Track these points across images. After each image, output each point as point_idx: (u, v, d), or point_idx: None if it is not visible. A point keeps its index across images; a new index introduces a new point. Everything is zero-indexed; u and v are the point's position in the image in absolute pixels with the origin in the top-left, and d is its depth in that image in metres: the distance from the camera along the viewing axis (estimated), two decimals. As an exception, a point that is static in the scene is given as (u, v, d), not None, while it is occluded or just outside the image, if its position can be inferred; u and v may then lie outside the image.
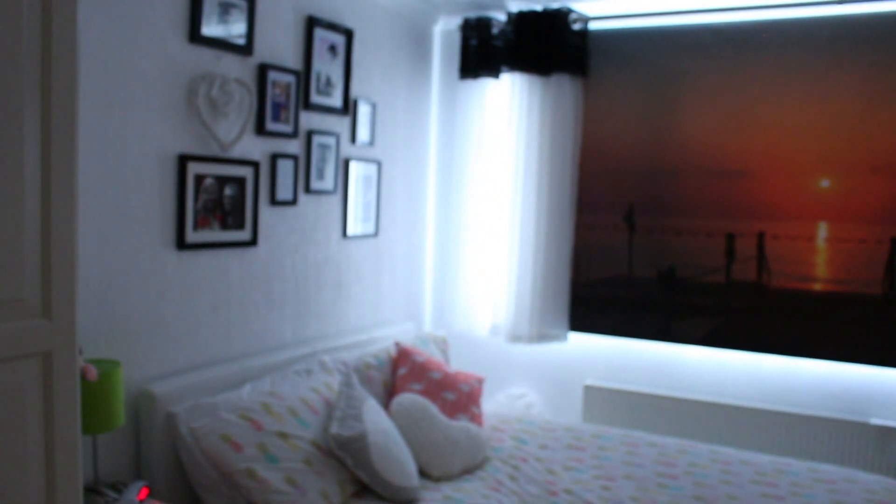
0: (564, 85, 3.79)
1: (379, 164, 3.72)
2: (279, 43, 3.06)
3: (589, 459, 3.06)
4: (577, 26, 3.78)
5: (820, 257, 3.64)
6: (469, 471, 2.87)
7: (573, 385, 3.96)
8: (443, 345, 3.67)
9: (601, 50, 3.85)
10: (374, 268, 3.75)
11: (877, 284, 3.52)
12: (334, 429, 2.50)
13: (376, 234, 3.75)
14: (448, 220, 4.12)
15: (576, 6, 3.78)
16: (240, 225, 2.89)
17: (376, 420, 2.64)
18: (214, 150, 2.76)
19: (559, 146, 3.82)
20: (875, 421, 3.43)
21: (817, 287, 3.68)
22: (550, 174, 3.83)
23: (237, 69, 2.84)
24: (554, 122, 3.81)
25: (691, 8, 3.63)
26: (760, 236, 3.70)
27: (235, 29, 2.80)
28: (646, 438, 3.30)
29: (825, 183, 3.60)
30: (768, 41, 3.57)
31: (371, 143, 3.65)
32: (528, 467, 2.93)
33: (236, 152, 2.86)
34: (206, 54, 2.70)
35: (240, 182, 2.87)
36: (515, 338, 3.90)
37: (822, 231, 3.63)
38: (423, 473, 2.77)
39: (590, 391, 3.88)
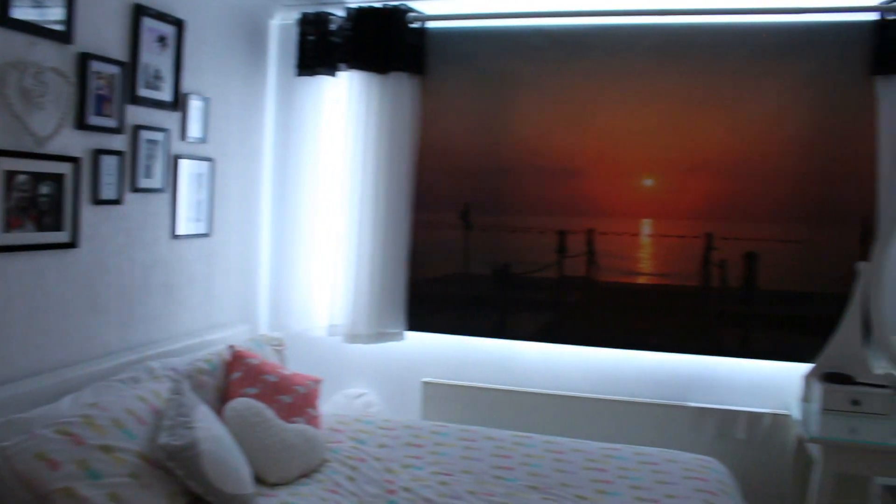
0: (402, 84, 3.80)
1: (212, 162, 3.60)
2: (103, 31, 2.88)
3: (427, 456, 3.09)
4: (415, 25, 3.80)
5: (644, 252, 3.85)
6: (307, 474, 2.83)
7: (412, 383, 3.98)
8: (279, 346, 3.59)
9: (439, 49, 3.89)
10: (206, 269, 3.62)
11: (694, 277, 3.76)
12: (163, 438, 2.39)
13: (209, 233, 3.62)
14: (284, 218, 4.04)
15: (414, 5, 3.80)
16: (57, 226, 2.71)
17: (208, 427, 2.55)
18: (28, 145, 2.57)
19: (397, 144, 3.83)
20: (692, 404, 3.67)
21: (642, 280, 3.89)
22: (388, 172, 3.84)
23: (54, 57, 2.65)
24: (392, 120, 3.82)
25: (525, 11, 3.74)
26: (590, 233, 3.86)
27: (52, 14, 2.61)
28: (483, 432, 3.37)
29: (649, 182, 3.81)
30: (597, 46, 3.73)
31: (203, 139, 3.52)
32: (367, 467, 2.92)
33: (54, 147, 2.67)
34: (18, 39, 2.50)
35: (57, 179, 2.69)
36: (353, 337, 3.88)
37: (646, 227, 3.83)
38: (259, 479, 2.70)
39: (428, 388, 3.92)
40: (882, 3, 3.36)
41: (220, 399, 3.02)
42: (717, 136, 3.68)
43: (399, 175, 3.85)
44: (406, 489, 2.76)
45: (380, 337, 3.89)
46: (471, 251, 4.00)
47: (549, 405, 3.79)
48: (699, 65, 3.65)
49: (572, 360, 3.88)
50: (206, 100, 3.50)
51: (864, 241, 3.52)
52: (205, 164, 3.54)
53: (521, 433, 3.42)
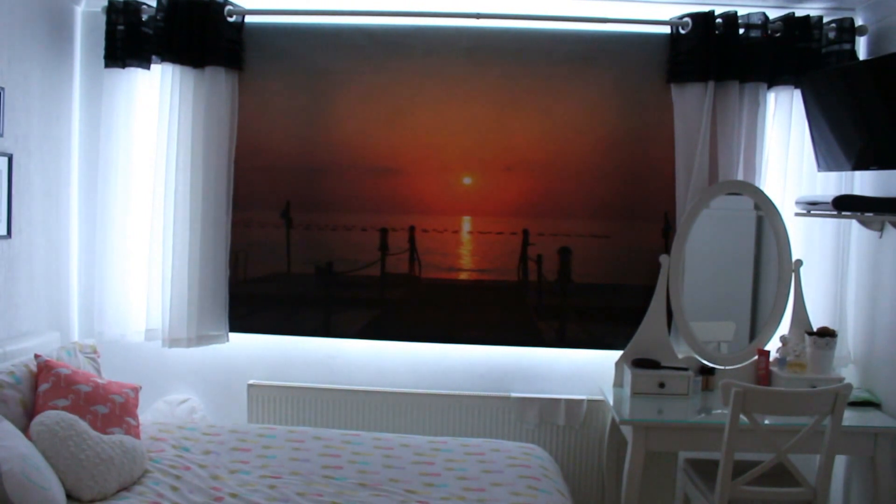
0: (219, 78, 3.69)
1: (9, 158, 3.32)
2: None
3: (255, 460, 3.03)
4: (233, 19, 3.69)
5: (465, 249, 3.95)
6: (126, 487, 2.68)
7: (237, 386, 3.88)
8: (92, 354, 3.38)
9: (258, 45, 3.80)
10: (7, 274, 3.34)
11: (513, 272, 3.91)
12: (-39, 460, 2.20)
13: (8, 235, 3.34)
14: (95, 218, 3.79)
15: (232, -2, 3.71)
16: None
17: (11, 445, 2.37)
18: None
19: (214, 141, 3.71)
20: (514, 394, 3.81)
21: (463, 276, 3.99)
22: (205, 170, 3.71)
23: None
24: (208, 116, 3.69)
25: (345, 9, 3.73)
26: (411, 230, 3.91)
27: None
28: (311, 433, 3.34)
29: (468, 180, 3.91)
30: (416, 46, 3.78)
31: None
32: (192, 475, 2.81)
33: None
34: None
35: None
36: (173, 341, 3.73)
37: (466, 224, 3.93)
38: (73, 497, 2.54)
39: (254, 390, 3.84)
40: (673, 19, 3.65)
41: (27, 414, 2.80)
42: (532, 136, 3.84)
43: (217, 172, 3.73)
44: (233, 495, 2.69)
45: (201, 340, 3.76)
46: (293, 250, 3.94)
47: (377, 402, 3.82)
48: (513, 68, 3.79)
49: (397, 357, 3.92)
50: (0, 90, 3.23)
51: (666, 235, 3.81)
52: (2, 160, 3.27)
53: (349, 431, 3.42)
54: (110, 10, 3.65)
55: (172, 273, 3.70)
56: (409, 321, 3.95)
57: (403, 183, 3.90)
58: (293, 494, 2.72)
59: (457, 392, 3.83)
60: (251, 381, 3.87)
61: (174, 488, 2.71)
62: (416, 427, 3.80)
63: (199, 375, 3.93)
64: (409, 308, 3.98)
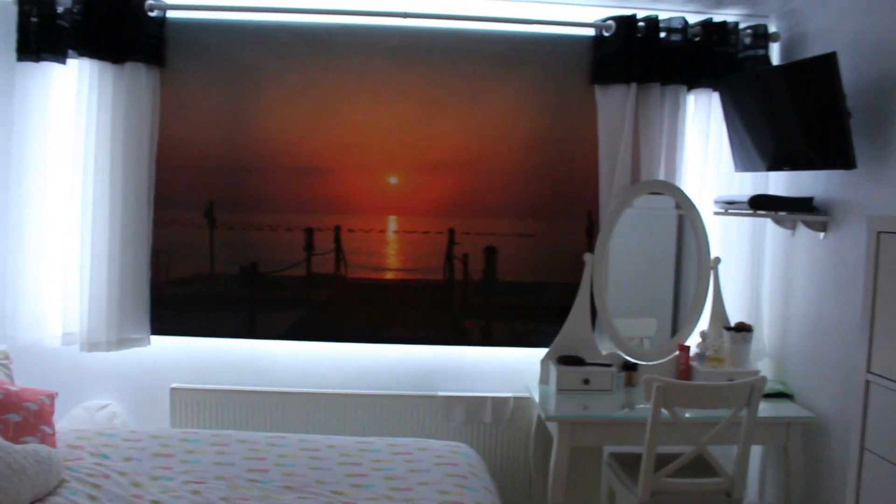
0: (140, 75, 3.59)
1: (-87, 156, 3.18)
2: None
3: (178, 465, 2.96)
4: (154, 14, 3.60)
5: (391, 248, 3.94)
6: (41, 498, 2.57)
7: (159, 390, 3.79)
8: (5, 360, 3.26)
9: (180, 41, 3.71)
10: (-90, 277, 3.20)
11: (439, 271, 3.92)
12: None
13: (-88, 237, 3.20)
14: (8, 219, 3.64)
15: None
16: None
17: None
18: None
19: (134, 139, 3.61)
20: (441, 393, 3.83)
21: (389, 276, 3.98)
22: (125, 168, 3.61)
23: None
24: (128, 113, 3.60)
25: (270, 6, 3.68)
26: (337, 230, 3.89)
27: None
28: (235, 436, 3.28)
29: (393, 180, 3.90)
30: (342, 44, 3.75)
31: None
32: (111, 483, 2.72)
33: None
34: None
35: None
36: (92, 345, 3.62)
37: (392, 224, 3.93)
38: (-15, 509, 2.44)
39: (177, 394, 3.76)
40: (597, 22, 3.72)
41: (-68, 424, 2.69)
42: (457, 135, 3.86)
43: (137, 171, 3.64)
44: (155, 502, 2.62)
45: (122, 343, 3.66)
46: (216, 250, 3.87)
47: (303, 404, 3.78)
48: (439, 67, 3.80)
49: (324, 357, 3.89)
50: None
51: (590, 233, 3.88)
52: None
53: (274, 434, 3.38)
54: (23, 1, 3.51)
55: (91, 275, 3.60)
56: (335, 321, 3.92)
57: (329, 182, 3.87)
58: (217, 499, 2.67)
59: (384, 392, 3.83)
60: (174, 385, 3.78)
61: (92, 497, 2.62)
62: (343, 428, 3.77)
63: (120, 380, 3.83)
64: (334, 308, 3.95)
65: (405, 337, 3.91)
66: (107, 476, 2.77)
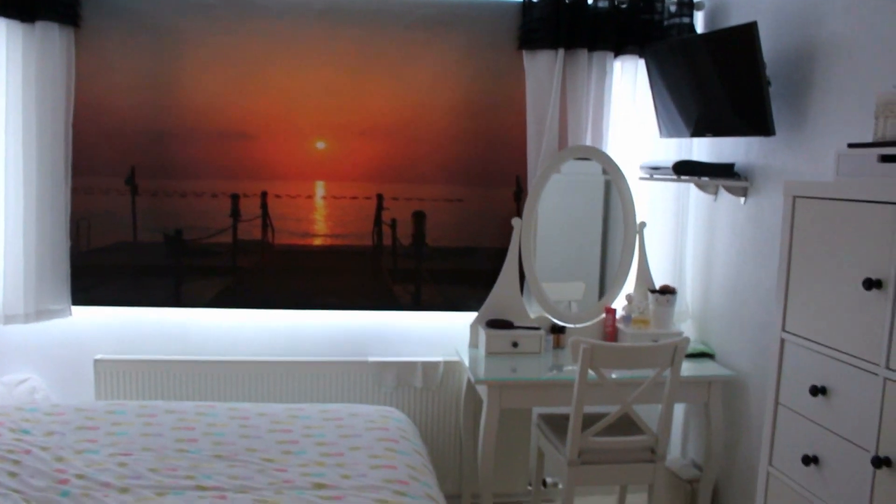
0: (52, 35, 3.45)
1: None
2: None
3: (103, 438, 2.90)
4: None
5: (319, 214, 3.90)
6: (-43, 477, 2.52)
7: (82, 362, 3.71)
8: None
9: (97, 0, 3.58)
10: None
11: (367, 237, 3.90)
12: None
13: None
14: (-88, 187, 3.50)
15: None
16: None
17: None
18: None
19: (48, 103, 3.48)
20: (372, 358, 3.83)
21: (318, 242, 3.94)
22: (39, 134, 3.48)
23: None
24: (40, 75, 3.46)
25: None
26: (264, 196, 3.83)
27: None
28: (163, 406, 3.23)
29: (321, 145, 3.85)
30: (268, 6, 3.66)
31: None
32: (32, 459, 2.65)
33: None
34: None
35: None
36: (9, 318, 3.50)
37: (320, 189, 3.88)
38: None
39: (101, 366, 3.67)
40: (525, -15, 3.72)
41: None
42: (385, 100, 3.82)
43: (52, 136, 3.51)
44: (80, 476, 2.57)
45: (41, 315, 3.55)
46: (139, 218, 3.77)
47: (232, 372, 3.74)
48: (367, 31, 3.74)
49: (252, 325, 3.85)
50: None
51: (518, 198, 3.91)
52: None
53: (203, 403, 3.33)
54: (-77, -42, 3.34)
55: (5, 245, 3.48)
56: (263, 288, 3.88)
57: (255, 147, 3.80)
58: (145, 471, 2.63)
59: (314, 359, 3.81)
60: (98, 357, 3.70)
61: (12, 475, 2.55)
62: (273, 396, 3.75)
63: (40, 353, 3.72)
64: (262, 275, 3.90)
65: (334, 303, 3.89)
66: (27, 451, 2.70)
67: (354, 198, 3.89)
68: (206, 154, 3.75)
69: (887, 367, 1.97)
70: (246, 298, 3.85)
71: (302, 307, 3.86)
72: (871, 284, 2.00)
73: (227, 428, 3.04)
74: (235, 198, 3.80)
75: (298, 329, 3.87)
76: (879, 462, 1.98)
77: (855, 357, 2.10)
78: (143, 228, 3.77)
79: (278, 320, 3.86)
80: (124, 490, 2.48)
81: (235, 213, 3.81)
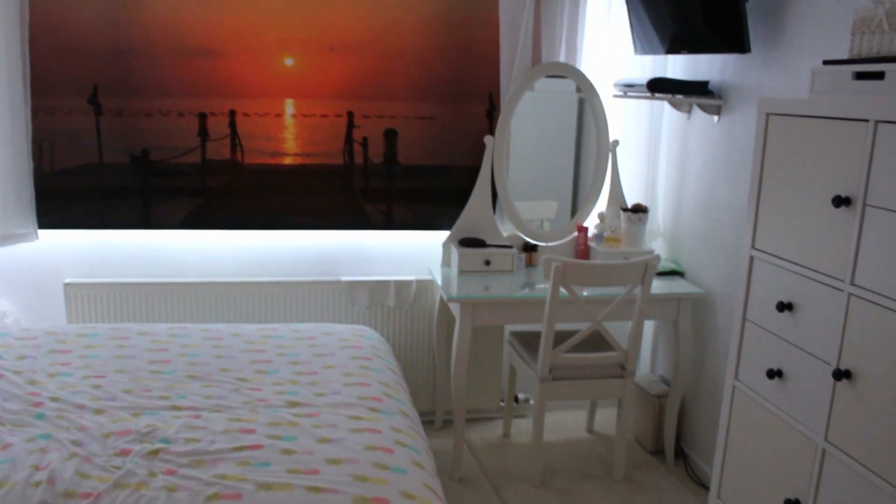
0: (2, -54, 3.31)
1: None
2: None
3: (76, 361, 2.89)
4: None
5: (288, 133, 3.84)
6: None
7: (52, 286, 3.67)
8: None
9: None
10: None
11: (338, 155, 3.85)
12: None
13: None
14: None
15: None
16: None
17: None
18: None
19: (1, 20, 3.35)
20: (344, 278, 3.83)
21: (288, 161, 3.89)
22: (-5, 51, 3.37)
23: None
24: (-6, -11, 3.33)
25: None
26: (232, 114, 3.75)
27: None
28: (135, 329, 3.22)
29: (289, 62, 3.76)
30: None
31: None
32: (5, 382, 2.65)
33: None
34: None
35: None
36: (-27, 242, 3.46)
37: (289, 107, 3.81)
38: None
39: (71, 289, 3.64)
40: None
41: None
42: (355, 15, 3.72)
43: (7, 54, 3.38)
44: (54, 399, 2.57)
45: (6, 239, 3.50)
46: (104, 138, 3.69)
47: (204, 294, 3.73)
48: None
49: (223, 246, 3.83)
50: None
51: (490, 116, 3.86)
52: None
53: (176, 325, 3.32)
54: None
55: (-34, 166, 3.39)
56: (234, 209, 3.84)
57: (222, 65, 3.70)
58: (120, 393, 2.63)
59: (286, 279, 3.81)
60: (67, 280, 3.66)
61: (-15, 397, 2.56)
62: (246, 317, 3.76)
63: (8, 278, 3.68)
64: (232, 195, 3.85)
65: (306, 223, 3.87)
66: (0, 376, 2.70)
67: (325, 116, 3.83)
68: (171, 72, 3.65)
69: (852, 283, 2.00)
70: (216, 219, 3.81)
71: (273, 227, 3.84)
72: (840, 202, 2.01)
73: (201, 349, 3.04)
74: (203, 117, 3.73)
75: (270, 249, 3.85)
76: (840, 374, 2.03)
77: (821, 273, 2.13)
78: (109, 149, 3.69)
79: (250, 241, 3.83)
80: (99, 411, 2.48)
81: (203, 133, 3.74)
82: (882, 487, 1.90)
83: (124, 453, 2.20)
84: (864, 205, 1.95)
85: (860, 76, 2.06)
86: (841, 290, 2.05)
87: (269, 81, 3.75)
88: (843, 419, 2.05)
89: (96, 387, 2.67)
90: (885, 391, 1.89)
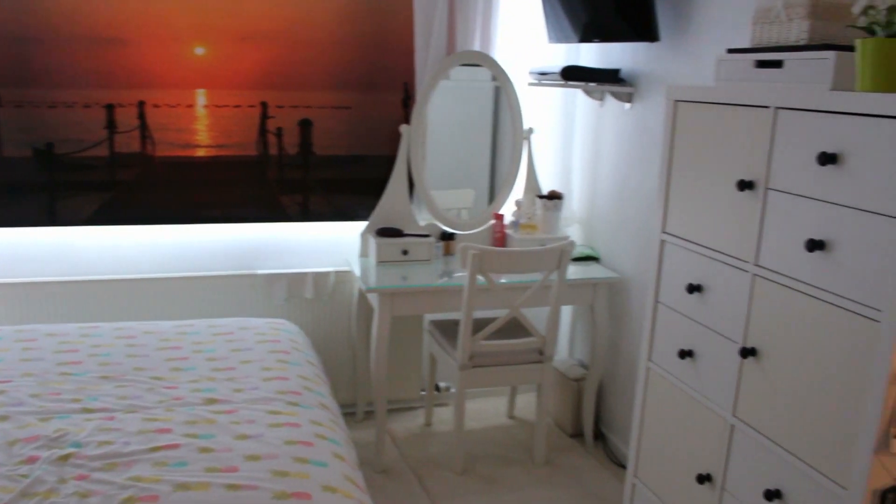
0: None
1: None
2: None
3: (-22, 365, 2.77)
4: None
5: (201, 124, 3.75)
6: None
7: (-51, 284, 3.51)
8: None
9: None
10: None
11: (252, 146, 3.79)
12: None
13: None
14: None
15: None
16: None
17: None
18: None
19: None
20: (261, 271, 3.77)
21: (201, 153, 3.80)
22: None
23: None
24: None
25: None
26: (141, 105, 3.65)
27: None
28: (43, 330, 3.11)
29: (200, 51, 3.67)
30: None
31: None
32: None
33: None
34: None
35: None
36: None
37: (201, 98, 3.72)
38: None
39: (-30, 288, 3.49)
40: None
41: None
42: (268, 3, 3.66)
43: None
44: (-45, 406, 2.46)
45: None
46: (4, 131, 3.53)
47: (117, 291, 3.62)
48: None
49: (135, 242, 3.71)
50: None
51: (406, 105, 3.85)
52: None
53: (87, 324, 3.22)
54: None
55: None
56: (146, 203, 3.73)
57: (129, 54, 3.59)
58: (26, 397, 2.53)
59: (202, 274, 3.72)
60: (-33, 279, 3.51)
61: None
62: (161, 314, 3.66)
63: None
64: (143, 189, 3.74)
65: (221, 216, 3.79)
66: None
67: (238, 106, 3.76)
68: (75, 61, 3.52)
69: (756, 264, 2.07)
70: (127, 214, 3.70)
71: (187, 221, 3.75)
72: (744, 186, 2.08)
73: (113, 348, 2.96)
74: (110, 108, 3.61)
75: (184, 244, 3.76)
76: (746, 352, 2.11)
77: (728, 255, 2.19)
78: (10, 142, 3.54)
79: (163, 236, 3.73)
80: (3, 418, 2.38)
81: (111, 125, 3.62)
82: (786, 459, 1.98)
83: (31, 460, 2.12)
84: (767, 188, 2.02)
85: (761, 64, 2.13)
86: (746, 272, 2.12)
87: (179, 71, 3.65)
88: (749, 395, 2.13)
89: (0, 392, 2.56)
90: (788, 367, 1.97)
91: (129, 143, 3.66)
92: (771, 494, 2.02)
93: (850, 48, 1.85)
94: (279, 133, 3.79)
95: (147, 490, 1.97)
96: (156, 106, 3.66)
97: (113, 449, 2.18)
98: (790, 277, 1.94)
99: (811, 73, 1.95)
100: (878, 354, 1.67)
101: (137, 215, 3.70)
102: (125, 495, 1.95)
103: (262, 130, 3.78)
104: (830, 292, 1.81)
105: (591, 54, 3.79)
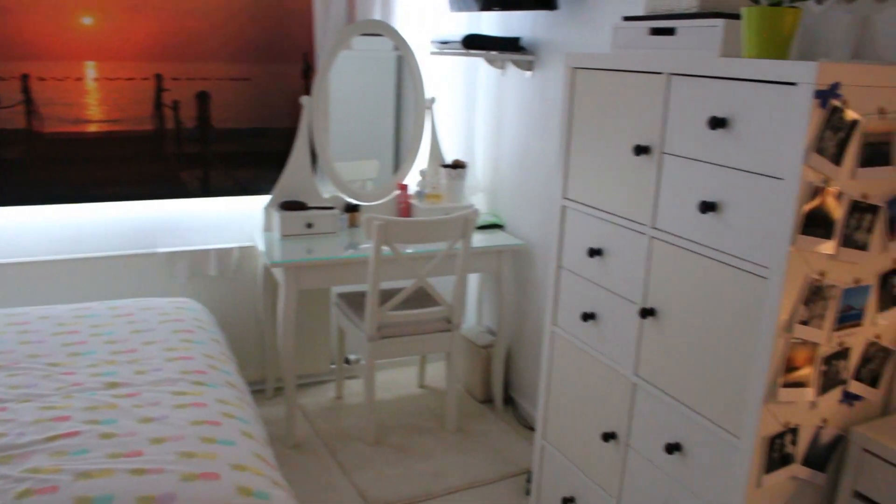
0: None
1: None
2: None
3: None
4: None
5: (91, 98, 3.60)
6: None
7: None
8: None
9: None
10: None
11: (148, 121, 3.66)
12: None
13: None
14: None
15: None
16: None
17: None
18: None
19: None
20: (162, 249, 3.67)
21: (93, 129, 3.65)
22: None
23: None
24: None
25: None
26: (25, 79, 3.47)
27: None
28: (-77, 319, 2.96)
29: (88, 20, 3.51)
30: None
31: None
32: None
33: None
34: None
35: None
36: None
37: (91, 71, 3.57)
38: None
39: None
40: None
41: None
42: (158, -29, 3.53)
43: None
44: None
45: None
46: None
47: (7, 276, 3.46)
48: None
49: (25, 223, 3.54)
50: None
51: (307, 76, 3.78)
52: None
53: (-26, 312, 3.08)
54: None
55: None
56: (34, 182, 3.56)
57: (9, 23, 3.40)
58: None
59: (98, 254, 3.59)
60: None
61: None
62: (57, 298, 3.52)
63: None
64: (31, 167, 3.57)
65: (116, 193, 3.65)
66: None
67: (131, 79, 3.62)
68: (-52, 32, 3.33)
69: (653, 227, 2.13)
70: (13, 194, 3.52)
71: (80, 200, 3.59)
72: (640, 150, 2.12)
73: (5, 335, 2.83)
74: (-9, 82, 3.42)
75: (79, 224, 3.61)
76: (645, 313, 2.17)
77: (626, 219, 2.25)
78: None
79: (55, 216, 3.57)
80: None
81: (-7, 99, 3.44)
82: (685, 413, 2.06)
83: (-83, 455, 2.02)
84: (662, 153, 2.07)
85: (655, 32, 2.17)
86: (644, 234, 2.17)
87: (66, 42, 3.48)
88: (649, 354, 2.20)
89: None
90: (684, 325, 2.04)
91: (13, 118, 3.48)
92: (671, 448, 2.10)
93: (738, 16, 1.90)
94: (176, 106, 3.67)
95: (45, 481, 1.90)
96: (41, 79, 3.49)
97: (6, 441, 2.09)
98: (685, 239, 2.01)
99: (702, 40, 2.00)
100: (766, 309, 1.75)
101: (26, 195, 3.52)
102: (21, 488, 1.87)
103: (158, 104, 3.65)
104: (722, 251, 1.88)
105: (492, 23, 3.79)
